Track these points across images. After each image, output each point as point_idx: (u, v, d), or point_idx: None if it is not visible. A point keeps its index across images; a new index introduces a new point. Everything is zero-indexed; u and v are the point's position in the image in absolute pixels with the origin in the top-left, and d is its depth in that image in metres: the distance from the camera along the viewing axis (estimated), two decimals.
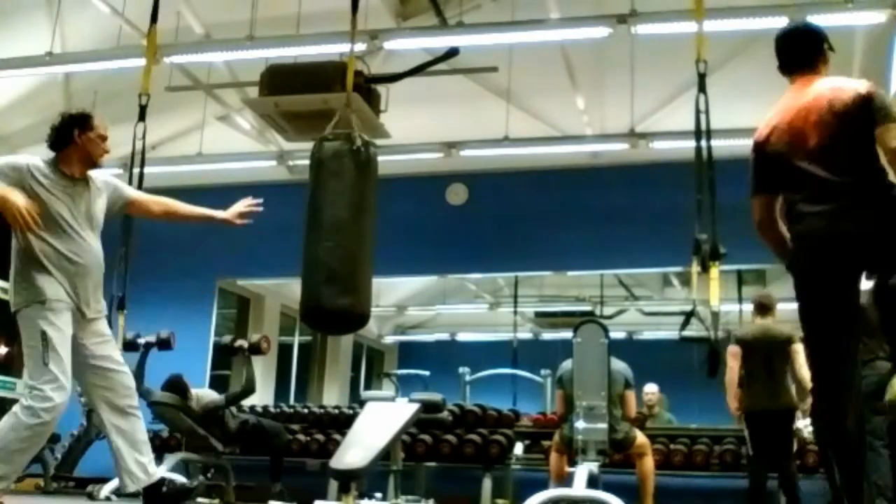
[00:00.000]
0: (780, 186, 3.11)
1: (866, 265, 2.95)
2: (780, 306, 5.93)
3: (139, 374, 5.58)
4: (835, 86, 3.06)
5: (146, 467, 3.76)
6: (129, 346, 5.94)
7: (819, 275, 2.94)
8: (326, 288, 4.60)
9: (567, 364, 5.70)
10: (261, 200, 4.15)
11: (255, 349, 6.21)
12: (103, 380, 3.75)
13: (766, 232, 3.21)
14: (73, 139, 3.79)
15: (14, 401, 3.62)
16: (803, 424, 7.07)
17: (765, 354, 5.74)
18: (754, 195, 3.21)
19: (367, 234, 4.77)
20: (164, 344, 6.09)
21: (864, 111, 2.93)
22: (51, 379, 3.50)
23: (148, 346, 6.09)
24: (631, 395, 5.80)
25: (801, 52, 3.24)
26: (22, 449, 3.50)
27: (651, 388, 8.71)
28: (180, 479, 5.28)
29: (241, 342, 6.29)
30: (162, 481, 3.82)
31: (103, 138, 3.91)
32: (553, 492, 5.37)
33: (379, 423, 4.60)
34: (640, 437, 5.81)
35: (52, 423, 3.52)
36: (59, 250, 3.65)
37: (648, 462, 5.80)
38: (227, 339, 6.60)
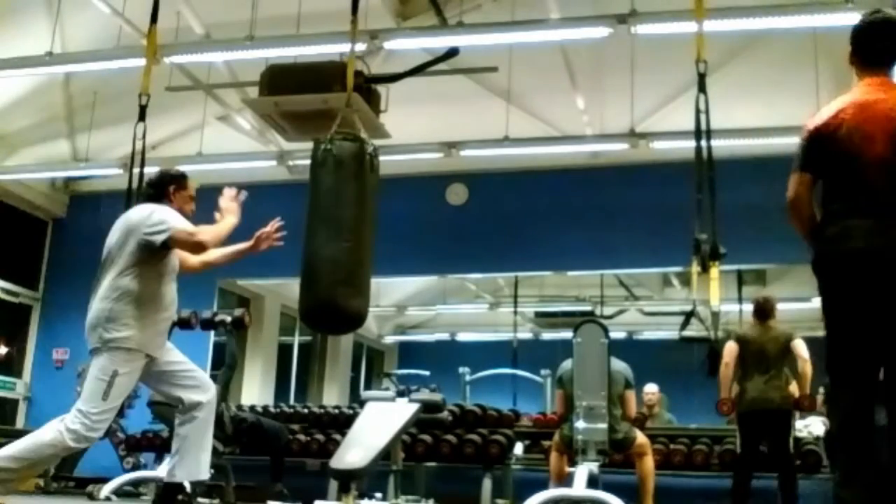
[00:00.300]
0: (828, 179, 2.96)
1: None
2: (780, 306, 5.93)
3: None
4: None
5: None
6: None
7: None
8: (326, 287, 4.61)
9: (567, 364, 5.70)
10: (246, 193, 4.22)
11: (239, 323, 6.13)
12: None
13: (800, 208, 3.02)
14: (168, 196, 4.09)
15: (14, 401, 3.63)
16: (802, 425, 7.07)
17: (764, 353, 5.73)
18: (801, 171, 2.99)
19: (369, 232, 4.77)
20: (183, 323, 5.96)
21: None
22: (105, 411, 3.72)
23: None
24: (631, 395, 5.79)
25: (891, 48, 3.02)
26: (47, 462, 3.89)
27: (651, 388, 8.70)
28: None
29: (222, 316, 6.14)
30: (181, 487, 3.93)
31: (193, 198, 4.21)
32: (553, 492, 5.37)
33: (379, 423, 4.60)
34: (640, 437, 5.80)
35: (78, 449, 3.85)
36: (172, 298, 4.01)
37: (648, 462, 5.80)
38: (207, 312, 6.34)
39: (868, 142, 2.86)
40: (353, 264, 4.66)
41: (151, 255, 3.85)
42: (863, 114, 2.91)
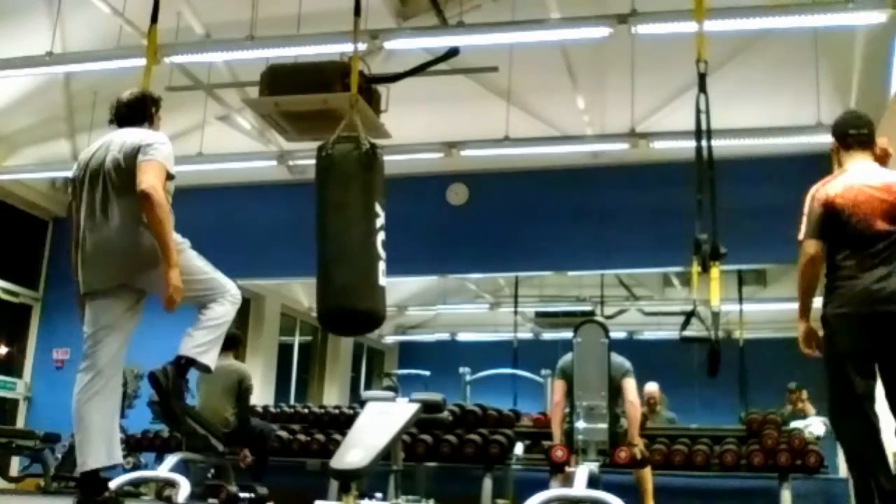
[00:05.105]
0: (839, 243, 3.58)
1: None
2: (780, 306, 5.91)
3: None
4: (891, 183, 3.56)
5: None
6: None
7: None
8: (349, 292, 4.64)
9: (569, 356, 5.65)
10: None
11: None
12: None
13: (815, 266, 3.61)
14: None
15: (14, 401, 3.61)
16: (804, 425, 7.07)
17: None
18: (815, 238, 3.59)
19: (377, 234, 4.80)
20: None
21: None
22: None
23: None
24: (629, 382, 5.72)
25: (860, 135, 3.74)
26: None
27: (653, 386, 8.69)
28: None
29: None
30: None
31: None
32: (553, 492, 5.36)
33: (379, 424, 4.60)
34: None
35: None
36: None
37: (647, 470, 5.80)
38: None
39: (864, 220, 3.51)
40: (366, 267, 4.67)
41: None
42: (861, 195, 3.56)
